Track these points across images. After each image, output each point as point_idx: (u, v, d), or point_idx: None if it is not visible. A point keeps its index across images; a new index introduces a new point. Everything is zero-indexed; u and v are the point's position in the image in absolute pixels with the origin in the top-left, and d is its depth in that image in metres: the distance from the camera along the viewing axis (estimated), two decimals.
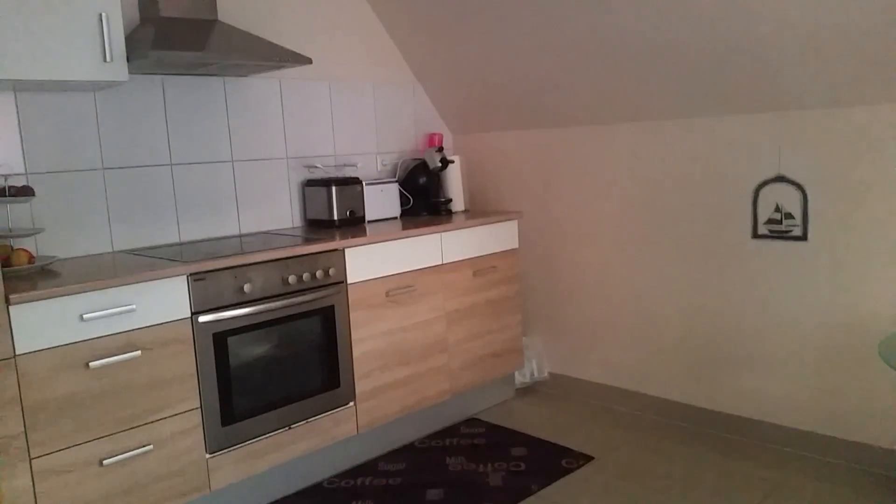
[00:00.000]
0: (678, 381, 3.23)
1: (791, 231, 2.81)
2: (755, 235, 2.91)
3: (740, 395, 3.03)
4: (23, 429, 2.01)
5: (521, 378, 3.67)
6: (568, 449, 2.99)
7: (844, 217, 2.67)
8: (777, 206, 2.84)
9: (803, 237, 2.78)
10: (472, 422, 3.34)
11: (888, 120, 2.52)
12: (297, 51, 3.24)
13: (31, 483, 2.04)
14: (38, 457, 2.05)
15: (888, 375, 2.63)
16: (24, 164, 2.53)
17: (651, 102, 3.07)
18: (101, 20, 2.34)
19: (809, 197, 2.74)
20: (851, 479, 2.65)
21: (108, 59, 2.36)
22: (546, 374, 3.71)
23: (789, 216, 2.81)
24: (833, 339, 2.75)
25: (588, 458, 2.90)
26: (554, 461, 2.88)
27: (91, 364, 2.13)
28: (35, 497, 2.05)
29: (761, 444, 2.96)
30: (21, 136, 2.52)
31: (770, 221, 2.86)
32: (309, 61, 2.86)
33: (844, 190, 2.66)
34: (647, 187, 3.22)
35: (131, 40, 2.56)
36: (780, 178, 2.81)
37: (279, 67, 2.94)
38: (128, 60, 2.44)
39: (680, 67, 2.85)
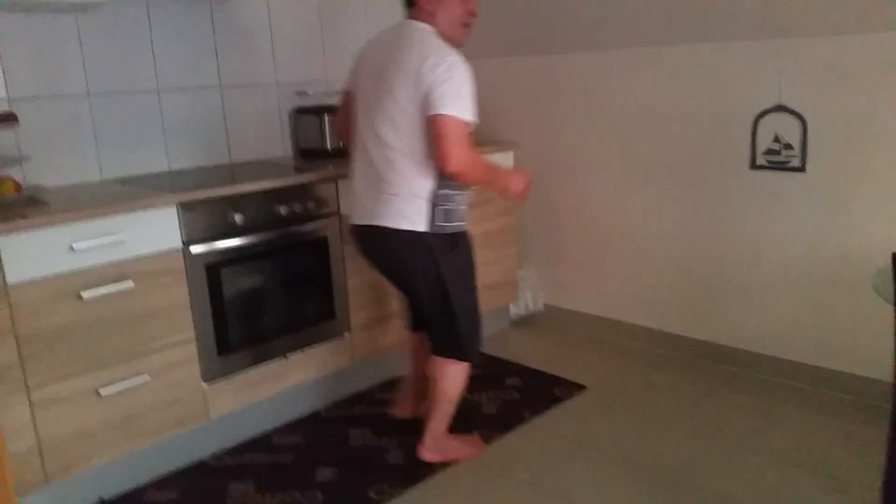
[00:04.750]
0: (672, 313, 3.25)
1: (790, 162, 2.78)
2: (753, 166, 2.87)
3: (734, 327, 3.05)
4: (17, 359, 2.01)
5: (515, 310, 3.68)
6: (561, 378, 3.02)
7: (843, 148, 2.64)
8: (776, 136, 2.80)
9: (802, 168, 2.75)
10: None
11: (892, 48, 2.46)
12: None
13: (29, 413, 2.04)
14: (36, 387, 2.05)
15: (881, 307, 2.64)
16: (6, 89, 2.44)
17: (650, 27, 2.99)
18: None
19: (809, 127, 2.70)
20: (843, 409, 2.70)
21: None
22: (541, 306, 3.73)
23: (788, 147, 2.77)
24: (828, 270, 2.75)
25: (581, 388, 2.94)
26: (547, 390, 2.92)
27: (84, 294, 2.11)
28: (35, 426, 2.06)
29: (754, 374, 3.00)
30: (0, 60, 2.43)
31: (769, 152, 2.82)
32: None
33: (845, 121, 2.62)
34: (644, 116, 3.16)
35: None
36: (781, 108, 2.76)
37: None
38: None
39: None
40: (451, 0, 2.18)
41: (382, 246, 2.27)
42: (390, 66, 2.13)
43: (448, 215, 2.21)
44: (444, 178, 2.15)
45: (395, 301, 2.98)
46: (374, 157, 2.21)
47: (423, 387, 2.54)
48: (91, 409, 2.16)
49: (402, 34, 2.18)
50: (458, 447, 2.48)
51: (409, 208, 2.16)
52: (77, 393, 2.13)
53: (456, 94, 2.04)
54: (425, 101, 2.06)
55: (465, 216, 2.29)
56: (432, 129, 2.06)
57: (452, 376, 2.37)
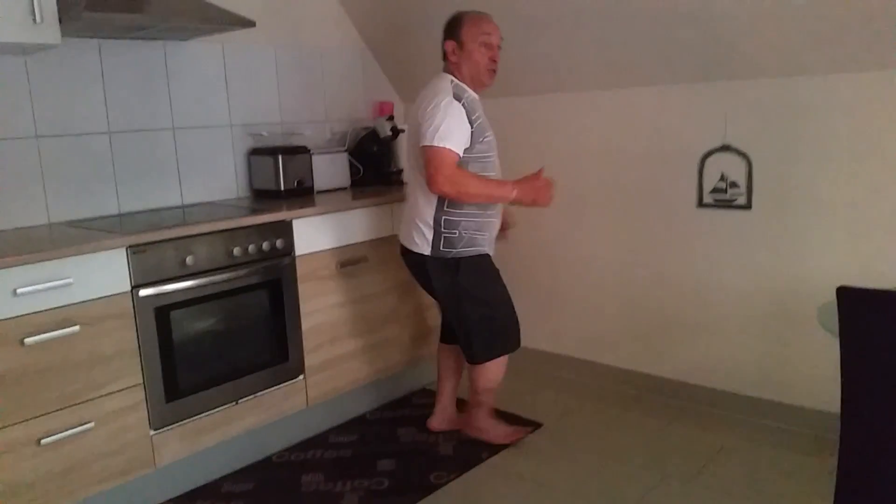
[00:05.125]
0: (625, 349, 3.28)
1: (736, 200, 2.85)
2: (700, 205, 2.94)
3: (685, 362, 3.09)
4: None
5: None
6: (518, 417, 3.01)
7: (787, 186, 2.72)
8: (722, 175, 2.87)
9: (748, 206, 2.82)
10: (424, 392, 3.34)
11: (834, 90, 2.56)
12: (240, 13, 3.12)
13: None
14: None
15: (826, 340, 2.69)
16: None
17: (599, 72, 3.06)
18: None
19: (754, 166, 2.78)
20: (792, 440, 2.73)
21: (37, 20, 2.24)
22: None
23: (734, 185, 2.85)
24: (774, 305, 2.81)
25: (537, 426, 2.93)
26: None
27: (26, 340, 2.05)
28: None
29: (706, 409, 3.03)
30: None
31: (715, 190, 2.90)
32: (252, 24, 2.78)
33: (788, 159, 2.70)
34: (593, 157, 3.23)
35: (63, 0, 2.42)
36: (726, 148, 2.84)
37: (221, 31, 2.85)
38: (60, 22, 2.31)
39: (629, 36, 2.84)
40: (473, 51, 2.54)
41: (409, 263, 2.70)
42: (415, 111, 2.53)
43: (450, 242, 2.52)
44: (447, 206, 2.49)
45: (353, 341, 2.97)
46: (408, 186, 2.70)
47: (454, 399, 2.97)
48: (29, 460, 2.09)
49: (429, 84, 2.57)
50: (498, 428, 2.81)
51: (418, 234, 2.56)
52: (16, 443, 2.06)
53: (435, 129, 2.38)
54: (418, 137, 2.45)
55: (474, 243, 2.56)
56: (421, 160, 2.44)
57: (484, 372, 2.70)
